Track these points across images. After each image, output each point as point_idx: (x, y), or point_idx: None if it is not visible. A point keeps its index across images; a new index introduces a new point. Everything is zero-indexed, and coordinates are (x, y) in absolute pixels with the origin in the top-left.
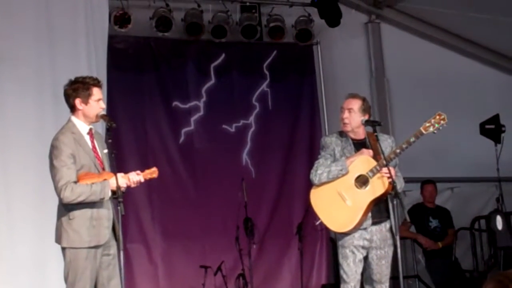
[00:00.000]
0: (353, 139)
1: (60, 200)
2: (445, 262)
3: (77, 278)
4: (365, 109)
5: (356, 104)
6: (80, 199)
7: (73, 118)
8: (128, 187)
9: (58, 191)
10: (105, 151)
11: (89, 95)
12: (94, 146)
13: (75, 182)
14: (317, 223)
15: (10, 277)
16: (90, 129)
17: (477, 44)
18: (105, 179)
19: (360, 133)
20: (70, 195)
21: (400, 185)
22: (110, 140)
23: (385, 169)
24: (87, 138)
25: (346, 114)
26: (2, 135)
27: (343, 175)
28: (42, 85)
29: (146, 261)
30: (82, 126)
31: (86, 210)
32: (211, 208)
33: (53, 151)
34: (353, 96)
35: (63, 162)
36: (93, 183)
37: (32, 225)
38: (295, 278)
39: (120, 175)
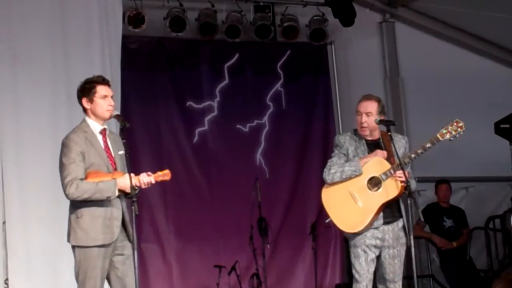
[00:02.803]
0: (367, 140)
1: (66, 196)
2: (460, 262)
3: (87, 276)
4: (381, 110)
5: (374, 107)
6: (85, 196)
7: (87, 118)
8: (139, 188)
9: (64, 187)
10: (121, 152)
11: (94, 93)
12: (106, 146)
13: (82, 179)
14: (327, 221)
15: (24, 275)
16: (104, 129)
17: (492, 43)
18: (114, 179)
19: (375, 134)
20: (74, 192)
21: (412, 186)
22: (124, 140)
23: (399, 172)
24: (99, 137)
25: (364, 118)
26: (17, 135)
27: (356, 175)
28: (56, 85)
29: (161, 260)
30: (95, 125)
31: (94, 209)
32: (225, 208)
33: (63, 149)
34: (369, 98)
35: (72, 159)
36: (100, 181)
37: (45, 224)
38: (309, 278)
39: (127, 175)
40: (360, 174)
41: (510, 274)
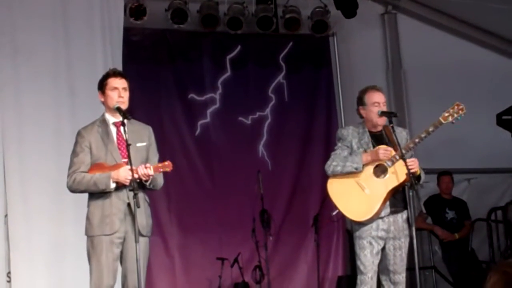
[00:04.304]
0: (370, 131)
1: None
2: (462, 253)
3: (92, 268)
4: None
5: (385, 97)
6: (81, 188)
7: (105, 113)
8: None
9: (66, 180)
10: (140, 144)
11: (105, 85)
12: (119, 138)
13: (83, 172)
14: (334, 213)
15: (27, 268)
16: (119, 122)
17: (494, 35)
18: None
19: (378, 125)
20: (72, 184)
21: (422, 176)
22: (125, 133)
23: (410, 160)
24: (113, 130)
25: (383, 108)
26: (19, 129)
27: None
28: (58, 78)
29: (163, 253)
30: (110, 118)
31: (97, 200)
32: (227, 200)
33: (73, 143)
34: (380, 89)
35: (75, 153)
36: (96, 174)
37: (48, 217)
38: (312, 270)
39: (126, 168)
40: (361, 171)
41: (504, 265)
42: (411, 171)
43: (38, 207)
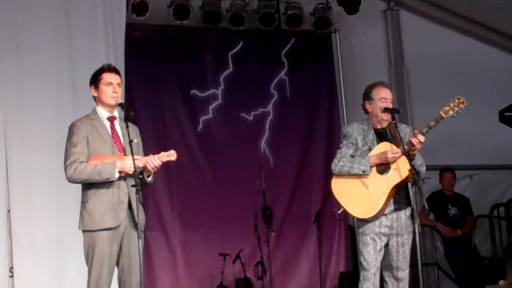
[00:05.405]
0: (375, 128)
1: (66, 179)
2: (464, 250)
3: (93, 263)
4: None
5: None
6: (82, 177)
7: (96, 107)
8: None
9: (64, 170)
10: (135, 140)
11: (99, 80)
12: (114, 133)
13: (83, 162)
14: (339, 211)
15: (29, 264)
16: (112, 116)
17: (497, 31)
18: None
19: (384, 123)
20: (72, 174)
21: (423, 168)
22: (127, 128)
23: (420, 137)
24: (107, 124)
25: (389, 106)
26: (21, 125)
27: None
28: (60, 74)
29: (165, 249)
30: (103, 113)
31: (99, 192)
32: (229, 196)
33: (67, 135)
34: (388, 86)
35: (73, 143)
36: (99, 163)
37: (50, 213)
38: (314, 266)
39: (129, 157)
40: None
41: None
42: (415, 147)
43: (41, 203)
